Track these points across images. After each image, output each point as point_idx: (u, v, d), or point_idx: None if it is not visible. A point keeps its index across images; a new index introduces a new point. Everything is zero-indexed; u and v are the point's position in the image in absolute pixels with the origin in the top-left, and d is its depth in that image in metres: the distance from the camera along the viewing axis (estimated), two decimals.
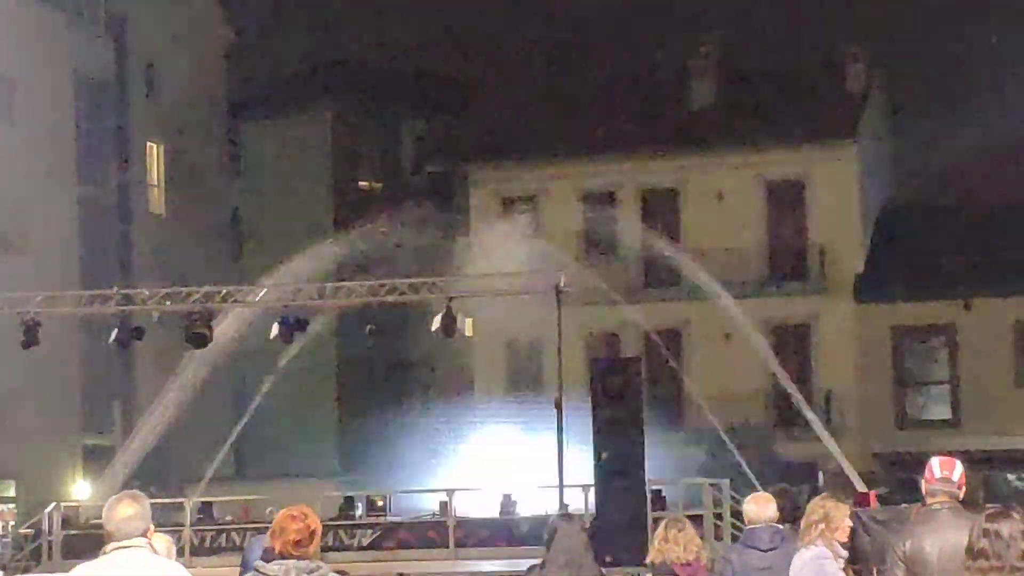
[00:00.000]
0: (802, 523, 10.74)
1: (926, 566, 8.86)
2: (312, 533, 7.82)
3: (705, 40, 47.18)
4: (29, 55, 40.41)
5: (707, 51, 46.94)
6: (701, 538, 12.42)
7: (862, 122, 45.38)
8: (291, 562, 7.78)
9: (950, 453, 9.62)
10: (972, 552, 7.52)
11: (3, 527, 35.02)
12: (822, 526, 10.41)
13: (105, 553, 7.29)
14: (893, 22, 46.13)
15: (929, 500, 9.23)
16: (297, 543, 7.78)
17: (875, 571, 16.64)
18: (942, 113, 44.28)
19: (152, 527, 7.42)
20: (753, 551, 11.64)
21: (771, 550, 11.51)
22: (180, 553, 28.11)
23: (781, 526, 11.87)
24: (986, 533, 7.50)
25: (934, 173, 44.16)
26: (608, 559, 24.05)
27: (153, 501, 8.09)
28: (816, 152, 44.41)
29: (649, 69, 46.51)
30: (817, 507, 10.67)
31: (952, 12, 43.89)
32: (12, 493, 40.70)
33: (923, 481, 9.34)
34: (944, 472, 9.25)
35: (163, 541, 10.02)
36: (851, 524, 10.67)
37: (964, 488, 9.31)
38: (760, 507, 11.87)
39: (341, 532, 30.28)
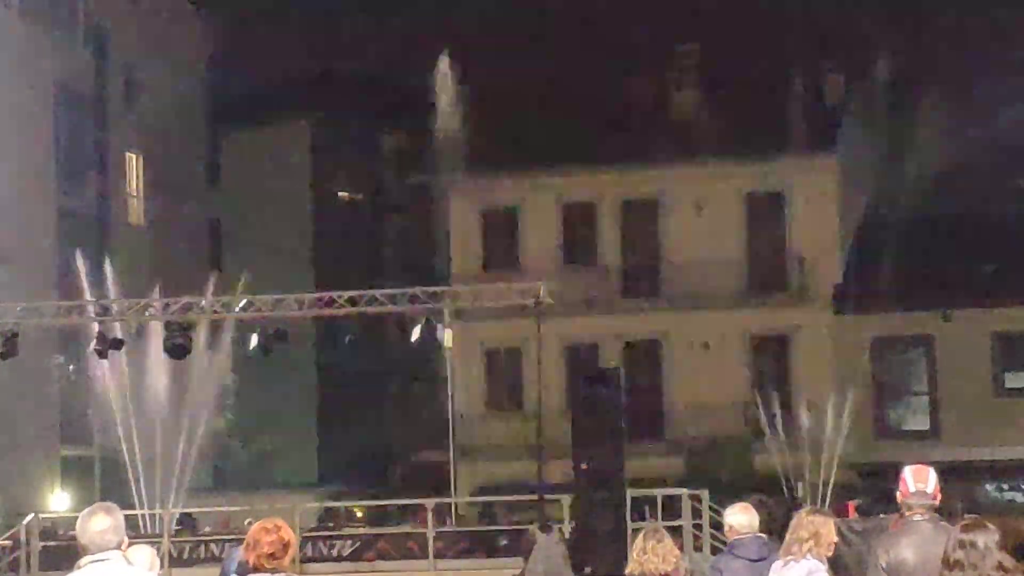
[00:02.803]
0: (789, 537, 10.71)
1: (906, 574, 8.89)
2: (286, 545, 7.79)
3: (685, 53, 47.28)
4: (8, 66, 40.35)
5: (686, 64, 47.06)
6: (680, 549, 12.40)
7: (840, 135, 45.50)
8: (265, 575, 7.76)
9: (927, 463, 9.61)
10: (948, 563, 7.53)
11: None
12: (811, 543, 10.39)
13: (80, 567, 7.24)
14: (870, 36, 46.24)
15: (907, 512, 9.23)
16: (271, 556, 7.75)
17: None
18: (921, 126, 44.37)
19: (126, 540, 7.38)
20: (742, 560, 11.63)
21: (759, 560, 11.50)
22: (157, 564, 28.10)
23: (765, 536, 11.88)
24: (962, 544, 7.51)
25: (913, 185, 44.24)
26: (587, 570, 24.07)
27: (128, 513, 8.06)
28: (795, 164, 44.50)
29: (629, 82, 46.56)
30: (807, 523, 10.63)
31: (930, 27, 44.04)
32: None
33: (898, 493, 9.35)
34: (919, 485, 9.25)
35: (147, 553, 9.97)
36: (836, 539, 10.65)
37: (939, 497, 9.32)
38: (745, 517, 11.87)
39: (320, 543, 30.24)
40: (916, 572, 8.86)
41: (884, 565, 8.98)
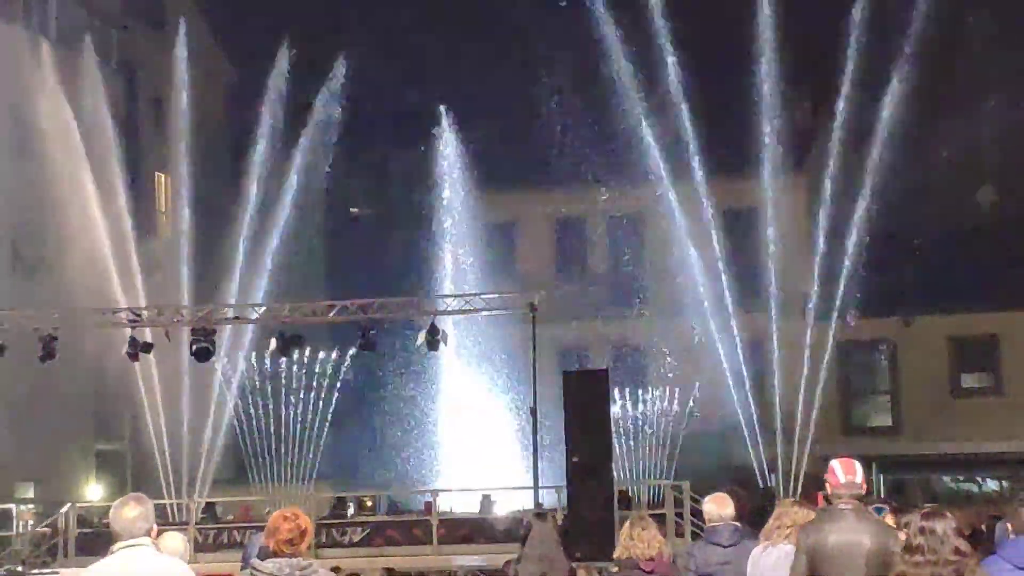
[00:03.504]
0: (771, 523, 10.71)
1: (824, 558, 8.89)
2: (303, 532, 7.80)
3: (667, 81, 47.26)
4: (47, 92, 40.30)
5: (669, 89, 47.03)
6: (663, 535, 12.40)
7: (811, 156, 45.49)
8: (284, 560, 7.75)
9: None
10: (910, 548, 7.53)
11: (23, 525, 34.86)
12: (791, 531, 10.42)
13: (113, 552, 7.24)
14: (838, 64, 46.27)
15: (836, 501, 9.23)
16: (289, 541, 7.76)
17: None
18: (884, 145, 44.35)
19: (155, 527, 7.38)
20: (715, 547, 11.63)
21: (731, 545, 11.51)
22: (186, 550, 28.06)
23: (738, 524, 11.87)
24: (922, 531, 7.52)
25: (876, 201, 44.21)
26: (578, 554, 24.03)
27: (157, 502, 8.06)
28: (769, 183, 44.48)
29: (617, 106, 46.55)
30: (789, 513, 10.65)
31: (893, 54, 43.99)
32: (31, 494, 40.52)
33: (827, 484, 9.35)
34: (848, 476, 9.26)
35: (178, 539, 9.97)
36: None
37: (865, 486, 9.32)
38: (720, 506, 11.86)
39: (333, 530, 30.21)
40: (834, 555, 8.86)
41: (805, 547, 8.99)
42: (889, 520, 10.38)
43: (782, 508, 10.78)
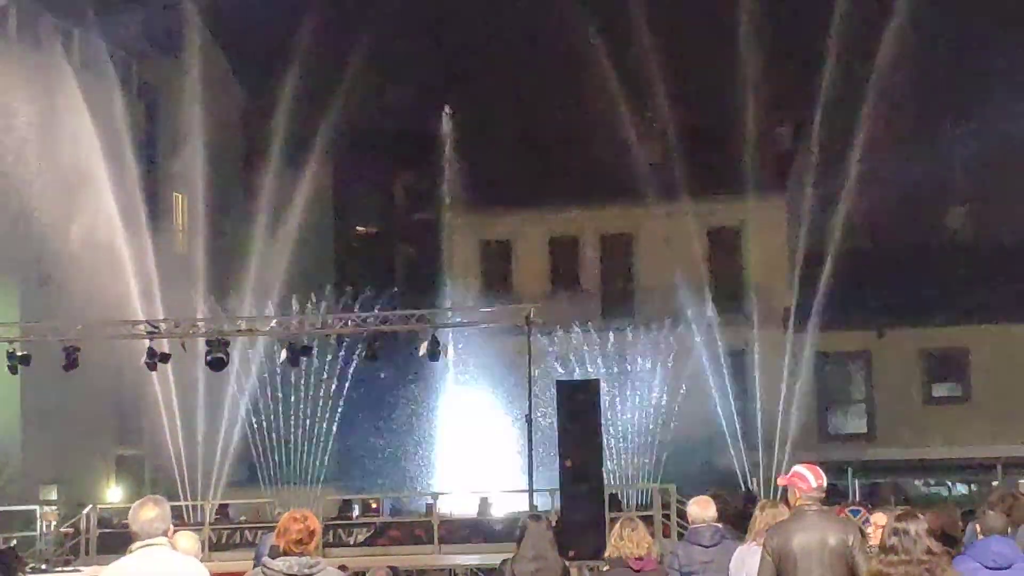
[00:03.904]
0: (758, 524, 10.67)
1: (788, 557, 8.87)
2: (312, 532, 7.79)
3: (656, 106, 47.30)
4: (72, 115, 40.30)
5: (657, 115, 47.08)
6: (651, 536, 12.39)
7: (790, 177, 45.54)
8: (293, 558, 7.74)
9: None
10: (884, 548, 7.53)
11: (47, 526, 34.80)
12: (770, 519, 10.44)
13: (131, 551, 7.24)
14: (816, 92, 46.35)
15: (799, 502, 9.21)
16: (299, 541, 7.75)
17: None
18: (859, 169, 44.40)
19: (171, 527, 7.36)
20: (697, 547, 11.63)
21: (713, 546, 11.50)
22: (200, 549, 28.00)
23: (720, 525, 11.86)
24: (896, 531, 7.52)
25: (852, 221, 44.25)
26: (571, 553, 23.97)
27: (174, 504, 8.05)
28: (751, 203, 44.53)
29: (608, 131, 46.58)
30: (773, 513, 10.65)
31: (864, 83, 44.08)
32: (54, 496, 40.46)
33: (795, 489, 9.31)
34: (819, 481, 9.25)
35: (192, 539, 9.94)
36: None
37: (823, 485, 9.32)
38: (702, 508, 11.87)
39: (340, 530, 30.15)
40: (799, 554, 8.85)
41: (770, 549, 8.97)
42: (880, 520, 10.33)
43: (776, 510, 10.77)
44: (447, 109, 45.86)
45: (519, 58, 45.55)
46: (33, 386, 36.28)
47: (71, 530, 31.70)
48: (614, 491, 28.94)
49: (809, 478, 9.23)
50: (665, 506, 29.16)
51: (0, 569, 24.78)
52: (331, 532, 29.19)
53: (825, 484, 9.26)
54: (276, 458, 46.96)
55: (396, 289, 46.45)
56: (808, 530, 8.84)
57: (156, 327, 30.06)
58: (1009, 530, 11.08)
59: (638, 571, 11.40)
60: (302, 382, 40.97)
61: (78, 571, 25.81)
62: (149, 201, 45.79)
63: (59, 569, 27.56)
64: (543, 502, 28.89)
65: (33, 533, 32.92)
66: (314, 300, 40.83)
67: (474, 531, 30.37)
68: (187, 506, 33.60)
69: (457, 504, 34.38)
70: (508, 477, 35.86)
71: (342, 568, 10.25)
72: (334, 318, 30.77)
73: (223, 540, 30.04)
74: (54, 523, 34.43)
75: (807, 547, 8.70)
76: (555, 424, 27.94)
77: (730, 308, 44.75)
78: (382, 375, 46.55)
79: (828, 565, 8.62)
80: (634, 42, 43.14)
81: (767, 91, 43.94)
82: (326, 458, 47.95)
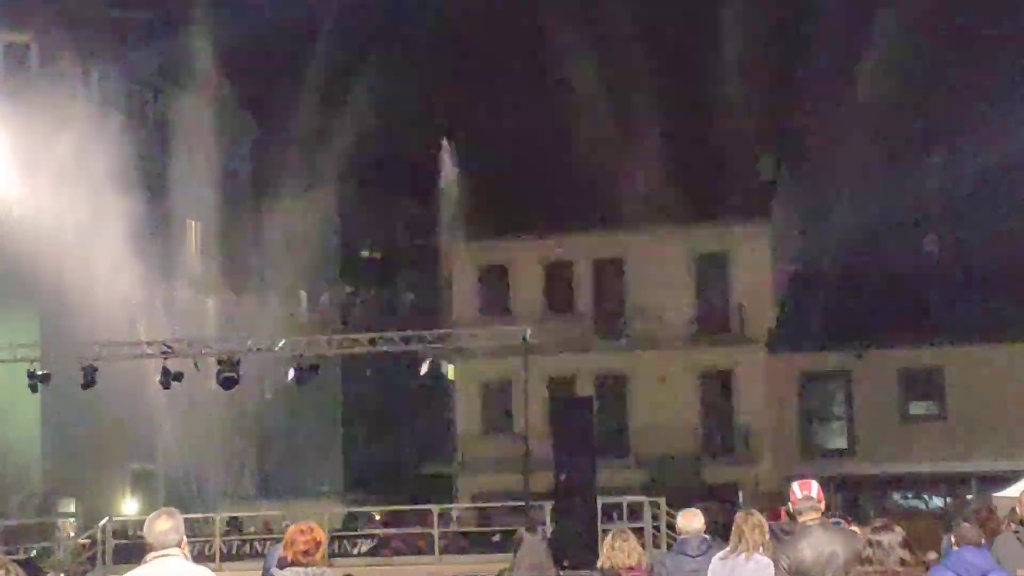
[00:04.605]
0: (751, 534, 10.63)
1: (806, 573, 8.86)
2: (318, 544, 7.78)
3: (646, 136, 47.36)
4: (92, 147, 40.34)
5: (647, 145, 47.14)
6: (642, 546, 12.38)
7: (773, 205, 45.60)
8: (300, 569, 7.74)
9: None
10: (861, 559, 7.53)
11: (65, 537, 34.74)
12: (757, 531, 10.44)
13: (146, 561, 7.23)
14: (799, 125, 46.49)
15: (801, 517, 9.20)
16: (305, 552, 7.74)
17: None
18: (839, 196, 44.51)
19: (185, 538, 7.36)
20: (684, 557, 11.62)
21: (699, 555, 11.49)
22: (211, 559, 27.96)
23: (707, 536, 11.86)
24: (871, 543, 7.52)
25: (833, 246, 44.33)
26: (565, 564, 23.98)
27: (188, 516, 8.05)
28: (736, 230, 44.56)
29: (600, 161, 46.63)
30: (748, 520, 10.65)
31: (846, 114, 44.23)
32: (72, 508, 40.40)
33: (789, 503, 9.31)
34: (805, 492, 9.22)
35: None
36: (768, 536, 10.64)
37: (823, 500, 9.29)
38: (690, 520, 11.85)
39: (345, 542, 30.12)
40: (814, 567, 8.84)
41: (786, 566, 8.95)
42: (856, 532, 10.31)
43: (744, 519, 10.76)
44: (446, 142, 46.06)
45: (516, 93, 45.67)
46: (52, 404, 36.28)
47: (88, 541, 31.65)
48: (606, 503, 28.87)
49: (795, 491, 9.24)
50: (655, 518, 29.14)
51: None
52: (336, 543, 29.14)
53: (813, 494, 9.21)
54: (284, 473, 46.94)
55: (399, 312, 46.50)
56: (817, 544, 8.83)
57: (170, 347, 30.06)
58: (983, 541, 11.09)
59: None
60: (309, 400, 40.92)
61: None
62: (164, 227, 45.87)
63: None
64: (539, 514, 28.83)
65: (52, 544, 32.88)
66: (321, 321, 40.88)
67: (473, 542, 30.36)
68: (199, 518, 33.54)
69: (457, 516, 34.35)
70: (505, 490, 35.83)
71: None
72: (340, 339, 30.78)
73: (233, 551, 30.00)
74: (72, 534, 34.39)
75: (822, 560, 8.69)
76: (550, 439, 27.95)
77: (716, 330, 44.76)
78: (386, 393, 46.61)
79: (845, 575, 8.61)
80: (625, 76, 43.25)
81: (751, 122, 44.03)
82: (332, 472, 47.96)
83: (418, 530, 31.62)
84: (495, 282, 46.26)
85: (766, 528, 10.55)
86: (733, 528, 10.72)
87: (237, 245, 49.03)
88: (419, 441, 48.82)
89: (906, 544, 7.36)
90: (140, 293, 40.04)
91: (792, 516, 9.46)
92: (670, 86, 44.16)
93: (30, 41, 40.96)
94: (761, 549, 10.39)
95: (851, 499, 41.62)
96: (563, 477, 26.62)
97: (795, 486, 9.29)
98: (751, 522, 10.66)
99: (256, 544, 29.74)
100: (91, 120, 40.44)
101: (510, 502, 31.85)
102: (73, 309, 38.19)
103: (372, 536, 30.91)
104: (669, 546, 24.89)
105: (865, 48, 42.89)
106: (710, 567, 10.69)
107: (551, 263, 46.08)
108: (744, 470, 41.92)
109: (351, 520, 35.94)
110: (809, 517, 9.09)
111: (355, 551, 29.73)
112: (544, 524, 26.89)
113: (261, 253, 51.97)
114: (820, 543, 8.77)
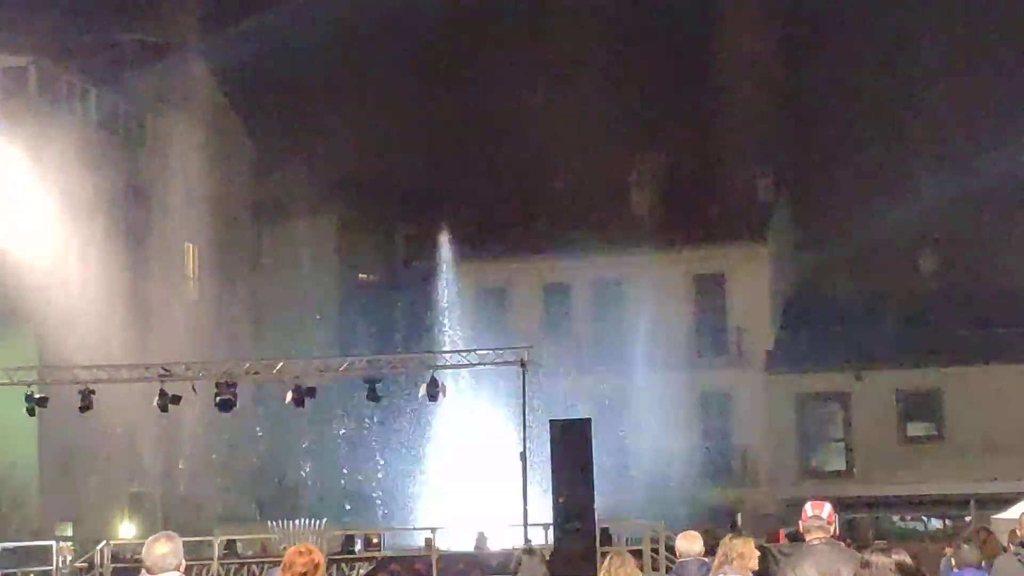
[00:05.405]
0: (720, 557, 10.65)
1: None
2: (316, 566, 7.74)
3: (644, 160, 47.48)
4: (90, 170, 40.41)
5: (645, 168, 47.25)
6: (640, 569, 12.35)
7: (771, 227, 45.65)
8: None
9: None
10: None
11: (63, 560, 34.62)
12: (737, 561, 10.39)
13: None
14: (795, 147, 46.59)
15: (808, 536, 9.20)
16: (303, 574, 7.71)
17: None
18: (836, 219, 44.59)
19: (183, 562, 7.34)
20: None
21: None
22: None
23: (706, 559, 11.83)
24: (864, 564, 7.54)
25: (830, 268, 44.39)
26: None
27: (186, 540, 8.03)
28: (734, 252, 44.62)
29: (598, 184, 46.72)
30: (733, 545, 10.62)
31: (843, 136, 44.42)
32: (70, 532, 40.28)
33: (800, 522, 9.33)
34: (815, 511, 9.23)
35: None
36: (759, 554, 10.62)
37: (834, 523, 9.28)
38: (689, 543, 11.82)
39: (343, 565, 30.02)
40: None
41: None
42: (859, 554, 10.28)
43: (726, 543, 10.75)
44: (446, 165, 46.17)
45: (515, 115, 45.73)
46: (50, 427, 36.21)
47: (86, 565, 31.54)
48: (605, 526, 28.80)
49: (807, 510, 9.26)
50: (654, 541, 29.07)
51: None
52: (334, 566, 29.05)
53: (823, 515, 9.21)
54: (281, 495, 46.81)
55: (397, 333, 46.47)
56: (823, 564, 8.82)
57: (167, 370, 30.02)
58: (983, 563, 11.08)
59: None
60: (307, 422, 40.83)
61: None
62: (162, 251, 45.87)
63: None
64: (537, 536, 28.78)
65: (49, 567, 32.75)
66: (319, 343, 40.84)
67: (471, 565, 30.25)
68: (197, 541, 33.44)
69: (455, 539, 34.24)
70: (504, 513, 35.76)
71: None
72: (338, 361, 30.75)
73: (231, 574, 29.90)
74: (70, 558, 34.23)
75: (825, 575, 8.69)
76: (549, 461, 27.89)
77: (714, 351, 44.77)
78: (383, 416, 46.52)
79: None
80: (623, 99, 43.36)
81: (749, 145, 44.12)
82: (330, 495, 47.81)
83: (416, 553, 31.52)
84: (494, 304, 46.27)
85: (744, 553, 10.48)
86: (717, 551, 10.71)
87: (234, 268, 49.04)
88: (417, 462, 48.66)
89: (900, 566, 7.34)
90: (137, 316, 40.03)
91: (797, 537, 9.48)
92: (668, 110, 44.27)
93: (28, 64, 41.02)
94: (735, 570, 10.36)
95: (849, 521, 41.56)
96: (561, 499, 26.54)
97: (808, 505, 9.31)
98: (736, 548, 10.62)
99: (254, 567, 29.65)
100: (89, 143, 40.49)
101: (509, 524, 31.78)
102: (70, 332, 38.19)
103: (370, 559, 30.80)
104: (668, 569, 24.83)
105: (862, 71, 43.00)
106: None
107: (549, 286, 46.11)
108: (743, 492, 41.86)
109: (349, 543, 35.81)
110: (816, 536, 9.09)
111: (353, 574, 29.62)
112: (542, 546, 26.84)
113: (258, 276, 52.01)
114: (825, 563, 8.77)
